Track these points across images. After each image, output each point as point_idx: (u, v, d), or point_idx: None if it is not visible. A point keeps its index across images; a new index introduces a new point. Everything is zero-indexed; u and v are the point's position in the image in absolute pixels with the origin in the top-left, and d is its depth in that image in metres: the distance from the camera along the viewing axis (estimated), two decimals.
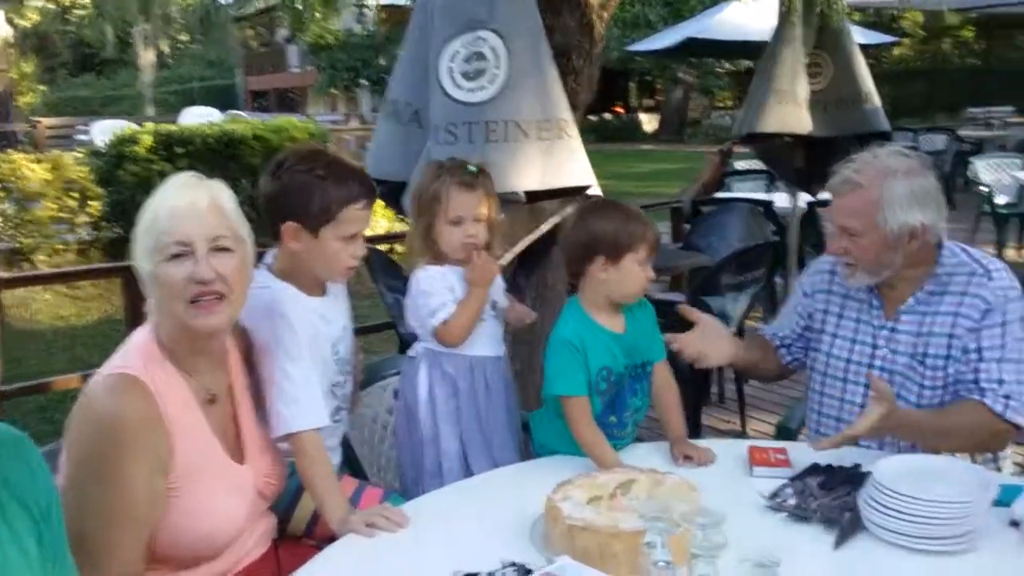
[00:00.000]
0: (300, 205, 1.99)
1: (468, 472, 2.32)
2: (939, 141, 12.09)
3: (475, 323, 2.30)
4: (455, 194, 2.26)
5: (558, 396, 2.11)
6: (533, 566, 1.53)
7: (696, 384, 4.20)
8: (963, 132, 13.49)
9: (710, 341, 2.27)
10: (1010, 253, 8.07)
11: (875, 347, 2.22)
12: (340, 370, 2.19)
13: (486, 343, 2.36)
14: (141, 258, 1.67)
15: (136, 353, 1.70)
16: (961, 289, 2.13)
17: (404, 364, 2.42)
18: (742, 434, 4.35)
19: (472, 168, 2.30)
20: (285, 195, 2.01)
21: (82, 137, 13.70)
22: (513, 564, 1.56)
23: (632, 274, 2.11)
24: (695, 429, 4.06)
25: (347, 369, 2.23)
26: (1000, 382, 2.05)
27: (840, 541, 1.69)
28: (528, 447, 2.39)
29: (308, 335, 2.01)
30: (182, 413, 1.69)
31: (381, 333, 5.83)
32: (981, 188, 8.12)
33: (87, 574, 1.48)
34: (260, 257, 2.05)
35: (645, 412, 2.25)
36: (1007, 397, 2.04)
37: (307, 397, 1.95)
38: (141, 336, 1.74)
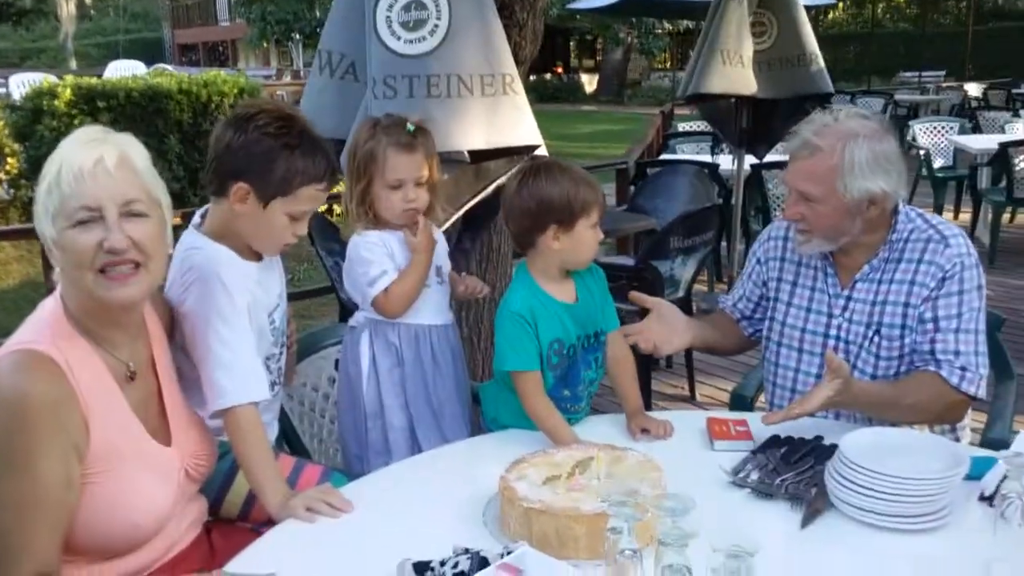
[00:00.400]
0: (260, 169, 1.81)
1: (416, 447, 2.21)
2: (876, 104, 12.22)
3: (418, 293, 2.18)
4: (393, 156, 2.11)
5: (509, 371, 2.00)
6: (488, 553, 1.42)
7: None
8: (899, 96, 13.69)
9: (667, 326, 2.17)
10: (947, 216, 8.20)
11: (830, 316, 2.15)
12: (275, 341, 2.03)
13: (431, 311, 2.24)
14: (43, 222, 1.50)
15: (43, 326, 1.53)
16: (917, 256, 2.07)
17: (345, 334, 2.28)
18: (691, 398, 4.33)
19: (410, 127, 2.15)
20: (247, 154, 1.82)
21: (1, 90, 13.00)
22: (467, 551, 1.44)
23: (586, 240, 2.00)
24: (645, 394, 3.99)
25: (282, 340, 2.08)
26: (956, 353, 2.00)
27: (807, 519, 1.62)
28: (479, 420, 2.28)
29: (245, 301, 1.86)
30: (97, 392, 1.53)
31: (320, 298, 5.66)
32: (919, 151, 8.19)
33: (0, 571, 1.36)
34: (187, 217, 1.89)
35: (599, 383, 2.15)
36: (963, 369, 1.99)
37: (246, 367, 1.81)
38: (48, 307, 1.57)
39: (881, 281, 2.09)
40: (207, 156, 1.90)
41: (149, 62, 19.57)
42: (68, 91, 7.11)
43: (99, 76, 8.85)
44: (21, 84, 10.99)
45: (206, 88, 7.64)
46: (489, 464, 1.74)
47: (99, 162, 1.48)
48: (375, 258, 2.14)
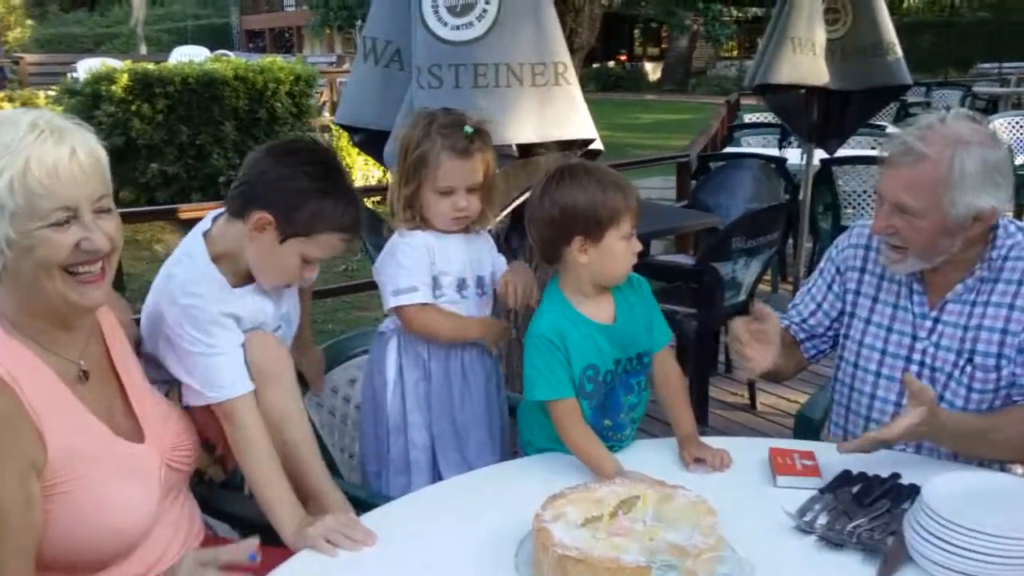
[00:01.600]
0: (288, 206, 1.72)
1: (435, 470, 2.06)
2: (953, 97, 11.71)
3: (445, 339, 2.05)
4: (446, 162, 1.95)
5: (540, 401, 1.82)
6: None
7: (701, 354, 3.94)
8: (977, 88, 13.11)
9: (763, 348, 1.90)
10: None
11: (915, 338, 1.93)
12: None
13: None
14: None
15: None
16: (1018, 277, 1.84)
17: (373, 341, 2.14)
18: (751, 407, 4.11)
19: (468, 129, 1.97)
20: (280, 187, 1.73)
21: (73, 75, 13.26)
22: None
23: (617, 253, 1.79)
24: (702, 401, 3.81)
25: None
26: None
27: (883, 575, 1.42)
28: (515, 438, 2.11)
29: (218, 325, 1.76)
30: (46, 398, 1.41)
31: (374, 290, 5.57)
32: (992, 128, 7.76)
33: None
34: None
35: (644, 408, 1.96)
36: None
37: (226, 364, 1.72)
38: None
39: (976, 303, 1.87)
40: (238, 174, 1.81)
41: (216, 48, 19.81)
42: (125, 77, 7.16)
43: (159, 62, 8.92)
44: (88, 69, 11.15)
45: (262, 75, 7.64)
46: (523, 495, 1.58)
47: (73, 157, 1.37)
48: (411, 267, 1.99)
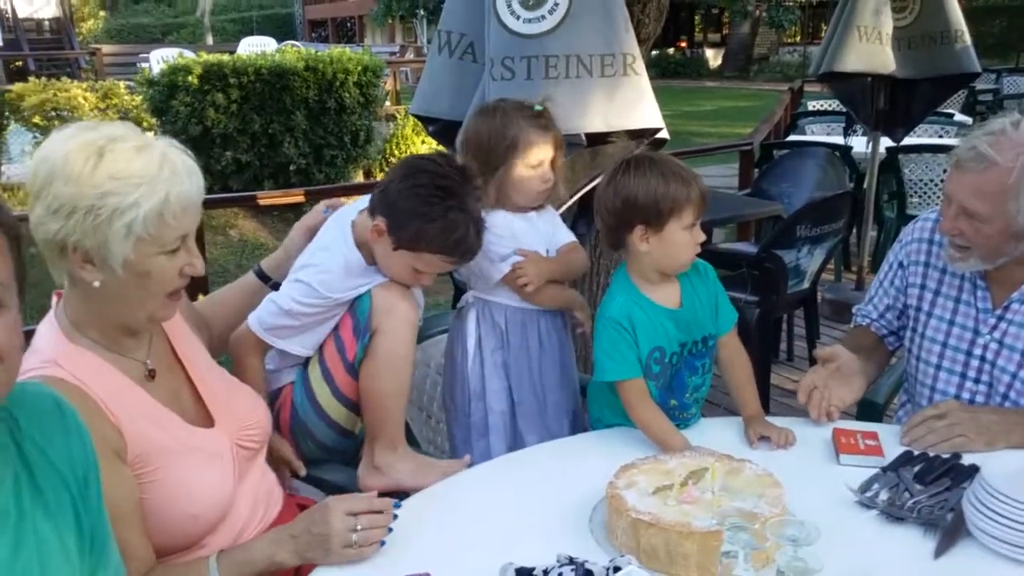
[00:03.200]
0: (397, 221, 1.86)
1: (516, 433, 2.17)
2: None
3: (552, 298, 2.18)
4: (535, 138, 2.10)
5: (610, 382, 1.91)
6: (593, 565, 1.36)
7: (764, 342, 3.98)
8: None
9: (844, 381, 1.98)
10: None
11: (976, 332, 1.97)
12: None
13: None
14: (118, 242, 1.40)
15: (46, 354, 1.46)
16: None
17: (453, 317, 2.26)
18: None
19: (539, 107, 2.14)
20: (392, 202, 1.87)
21: (144, 65, 13.66)
22: (571, 561, 1.39)
23: (679, 243, 1.85)
24: (763, 388, 3.85)
25: None
26: None
27: (942, 548, 1.48)
28: (585, 414, 2.21)
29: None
30: (119, 397, 1.47)
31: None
32: None
33: None
34: None
35: (708, 387, 2.03)
36: None
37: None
38: (46, 334, 1.50)
39: None
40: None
41: (280, 38, 20.15)
42: (200, 68, 7.37)
43: (232, 52, 9.15)
44: (159, 60, 11.47)
45: (331, 65, 7.78)
46: (596, 465, 1.68)
47: (199, 193, 1.47)
48: (508, 237, 2.11)
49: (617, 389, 1.90)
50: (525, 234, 2.15)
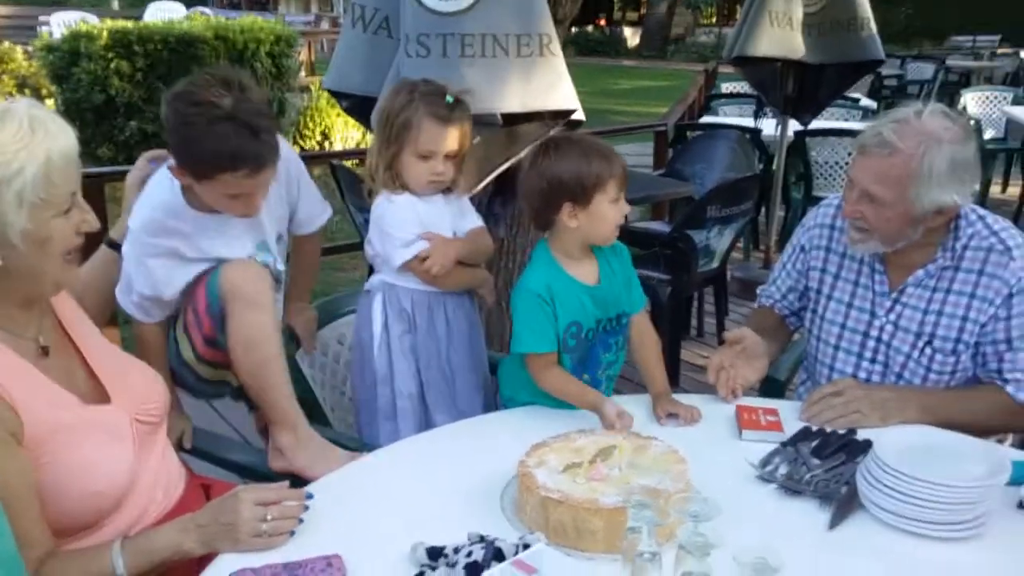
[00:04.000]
0: (209, 152, 1.81)
1: (426, 415, 2.18)
2: (927, 70, 11.86)
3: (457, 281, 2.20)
4: (428, 126, 2.06)
5: (524, 353, 1.94)
6: (503, 543, 1.37)
7: (675, 319, 4.07)
8: (950, 62, 13.24)
9: (749, 360, 2.05)
10: (995, 189, 7.95)
11: (873, 315, 2.06)
12: None
13: None
14: (13, 213, 1.37)
15: None
16: (978, 267, 1.94)
17: (360, 299, 2.25)
18: None
19: (450, 99, 2.10)
20: (171, 131, 1.86)
21: (44, 29, 13.01)
22: (482, 539, 1.40)
23: (605, 216, 1.91)
24: (674, 364, 3.95)
25: None
26: None
27: (836, 520, 1.55)
28: (496, 395, 2.23)
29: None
30: (13, 377, 1.43)
31: (352, 252, 5.63)
32: (969, 122, 7.91)
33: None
34: None
35: (620, 366, 2.09)
36: None
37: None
38: None
39: (936, 289, 1.98)
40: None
41: (189, 3, 19.47)
42: (105, 34, 7.09)
43: (138, 18, 8.82)
44: (61, 24, 10.97)
45: (242, 35, 7.59)
46: (507, 444, 1.70)
47: (74, 143, 1.43)
48: (410, 221, 2.11)
49: (527, 360, 1.94)
50: (430, 217, 2.14)
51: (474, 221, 2.28)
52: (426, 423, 2.17)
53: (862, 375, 2.07)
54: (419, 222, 2.12)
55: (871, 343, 2.05)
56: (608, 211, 1.91)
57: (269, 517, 1.45)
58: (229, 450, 1.98)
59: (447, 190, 2.19)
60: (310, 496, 1.51)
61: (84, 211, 1.48)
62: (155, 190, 1.98)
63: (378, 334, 2.18)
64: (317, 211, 2.33)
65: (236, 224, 2.01)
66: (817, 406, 1.89)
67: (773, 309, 2.29)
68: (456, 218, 2.22)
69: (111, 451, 1.54)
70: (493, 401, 2.24)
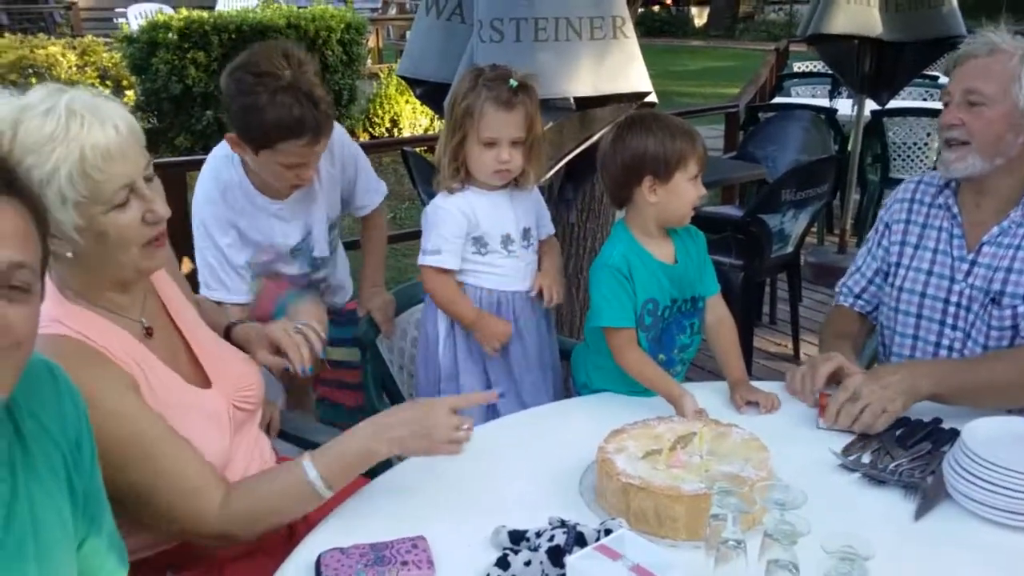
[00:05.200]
0: (270, 121, 1.95)
1: (493, 414, 2.16)
2: None
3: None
4: (491, 112, 2.03)
5: (603, 328, 1.94)
6: (584, 528, 1.39)
7: (747, 305, 4.02)
8: None
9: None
10: None
11: (952, 280, 2.01)
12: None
13: (515, 278, 2.18)
14: (59, 212, 1.35)
15: (46, 315, 1.38)
16: None
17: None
18: (794, 358, 4.19)
19: (513, 83, 2.05)
20: (228, 105, 2.03)
21: (122, 21, 13.37)
22: (563, 523, 1.42)
23: (684, 193, 1.93)
24: (746, 352, 3.89)
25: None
26: None
27: (922, 511, 1.52)
28: (569, 382, 2.24)
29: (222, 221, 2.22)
30: (124, 351, 1.48)
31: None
32: None
33: (198, 514, 1.43)
34: None
35: (695, 351, 2.08)
36: None
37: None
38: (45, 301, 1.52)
39: (1009, 246, 1.93)
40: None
41: None
42: (180, 24, 7.25)
43: (211, 8, 8.99)
44: (138, 15, 11.26)
45: (314, 23, 7.67)
46: (584, 429, 1.71)
47: (118, 134, 1.39)
48: (442, 231, 2.09)
49: (607, 336, 1.94)
50: (489, 214, 2.11)
51: (549, 226, 2.27)
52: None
53: (944, 343, 2.03)
54: (466, 228, 2.09)
55: (952, 308, 2.01)
56: (687, 189, 1.92)
57: (465, 426, 1.54)
58: (316, 433, 2.02)
59: (515, 180, 2.15)
60: (502, 395, 1.62)
61: (148, 201, 1.45)
62: (206, 170, 2.15)
63: (444, 331, 2.19)
64: (373, 188, 2.49)
65: (290, 209, 2.23)
66: (842, 418, 1.78)
67: (852, 309, 2.24)
68: (524, 215, 2.18)
69: (209, 433, 1.58)
70: (564, 388, 2.24)
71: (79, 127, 1.36)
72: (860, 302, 2.23)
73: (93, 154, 1.36)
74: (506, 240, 2.15)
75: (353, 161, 2.40)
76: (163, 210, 1.47)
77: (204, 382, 1.64)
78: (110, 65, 7.97)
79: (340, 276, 2.58)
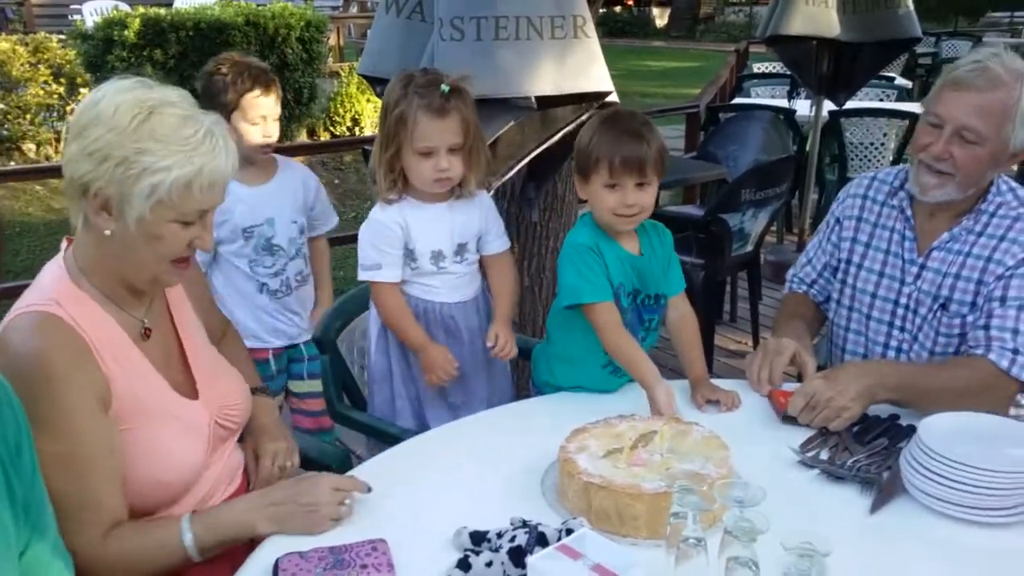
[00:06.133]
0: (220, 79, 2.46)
1: (422, 421, 2.16)
2: (962, 48, 11.57)
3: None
4: (424, 121, 1.95)
5: (583, 305, 1.88)
6: (546, 528, 1.38)
7: (708, 303, 4.05)
8: (987, 39, 12.96)
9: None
10: None
11: (903, 282, 2.04)
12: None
13: (448, 290, 2.14)
14: (139, 199, 1.41)
15: (46, 292, 1.47)
16: (1000, 233, 1.92)
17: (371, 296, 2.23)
18: None
19: (444, 88, 1.96)
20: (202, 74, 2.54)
21: (76, 17, 13.11)
22: (524, 524, 1.41)
23: (599, 199, 1.85)
24: (707, 349, 3.92)
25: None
26: (1015, 332, 1.83)
27: (877, 505, 1.54)
28: (527, 383, 2.23)
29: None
30: (114, 348, 1.48)
31: None
32: None
33: (75, 535, 1.35)
34: None
35: (648, 347, 2.05)
36: (1015, 352, 1.82)
37: None
38: (50, 274, 1.51)
39: (959, 252, 1.95)
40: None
41: None
42: (137, 22, 7.12)
43: (168, 5, 8.85)
44: (94, 12, 11.05)
45: (273, 20, 7.58)
46: (546, 429, 1.71)
47: (232, 169, 1.48)
48: (378, 245, 2.06)
49: (589, 314, 1.88)
50: (424, 228, 2.06)
51: (498, 241, 2.19)
52: (424, 427, 2.10)
53: (892, 344, 2.06)
54: (401, 240, 2.05)
55: (900, 311, 2.04)
56: (602, 195, 1.85)
57: (347, 501, 1.49)
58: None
59: (456, 189, 2.09)
60: (369, 489, 1.54)
61: (204, 230, 1.51)
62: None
63: (375, 336, 2.16)
64: (329, 213, 2.77)
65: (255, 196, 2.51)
66: (803, 415, 1.80)
67: (807, 296, 2.26)
68: (463, 228, 2.11)
69: (185, 445, 1.56)
70: (516, 387, 2.22)
71: (210, 147, 1.44)
72: (812, 291, 2.26)
73: (207, 175, 1.43)
74: (436, 256, 2.09)
75: (315, 185, 2.71)
76: (210, 246, 1.57)
77: (192, 393, 1.62)
78: (64, 63, 7.80)
79: (302, 294, 2.73)
